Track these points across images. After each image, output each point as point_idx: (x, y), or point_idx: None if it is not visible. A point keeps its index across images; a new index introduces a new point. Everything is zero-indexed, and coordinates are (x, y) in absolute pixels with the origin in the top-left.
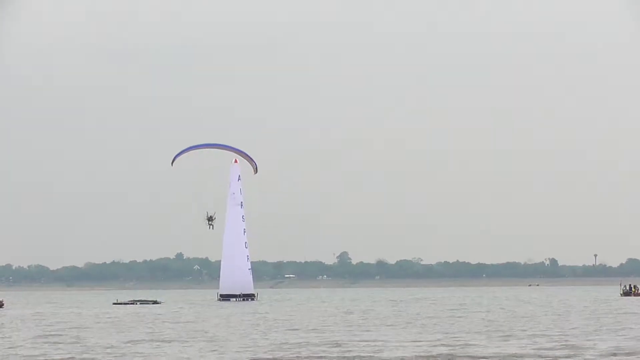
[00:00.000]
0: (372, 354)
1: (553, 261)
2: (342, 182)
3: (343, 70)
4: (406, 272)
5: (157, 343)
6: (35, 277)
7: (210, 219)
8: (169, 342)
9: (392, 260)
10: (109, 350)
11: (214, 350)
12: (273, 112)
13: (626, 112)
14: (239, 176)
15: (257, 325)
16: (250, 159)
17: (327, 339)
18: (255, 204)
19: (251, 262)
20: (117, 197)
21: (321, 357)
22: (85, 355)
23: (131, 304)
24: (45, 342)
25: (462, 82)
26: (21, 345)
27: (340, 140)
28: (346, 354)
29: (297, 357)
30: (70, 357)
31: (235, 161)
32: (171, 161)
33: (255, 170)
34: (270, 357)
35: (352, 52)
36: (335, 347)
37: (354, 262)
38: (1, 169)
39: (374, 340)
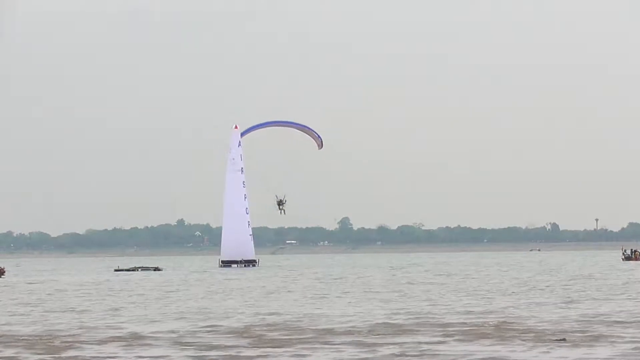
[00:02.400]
0: None
1: (554, 226)
2: (343, 148)
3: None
4: (407, 238)
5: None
6: (36, 244)
7: (280, 203)
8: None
9: (393, 225)
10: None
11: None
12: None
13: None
14: (240, 142)
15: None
16: (315, 134)
17: None
18: (256, 169)
19: (252, 228)
20: (118, 163)
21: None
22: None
23: (133, 270)
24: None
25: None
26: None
27: (341, 107)
28: None
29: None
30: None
31: (236, 127)
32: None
33: (320, 145)
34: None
35: None
36: None
37: (355, 227)
38: (1, 135)
39: None
